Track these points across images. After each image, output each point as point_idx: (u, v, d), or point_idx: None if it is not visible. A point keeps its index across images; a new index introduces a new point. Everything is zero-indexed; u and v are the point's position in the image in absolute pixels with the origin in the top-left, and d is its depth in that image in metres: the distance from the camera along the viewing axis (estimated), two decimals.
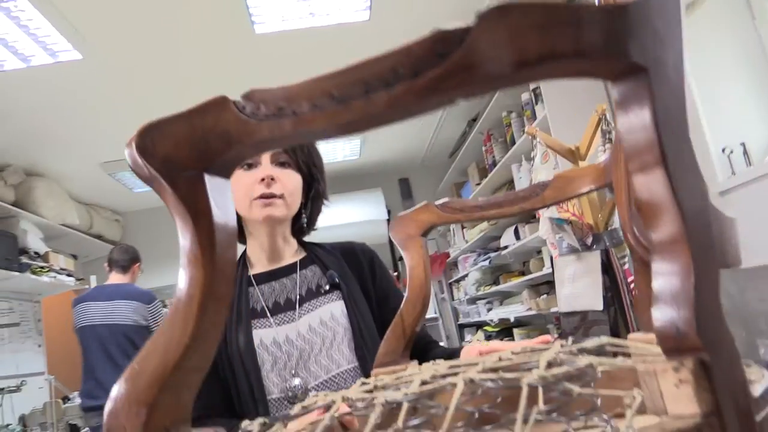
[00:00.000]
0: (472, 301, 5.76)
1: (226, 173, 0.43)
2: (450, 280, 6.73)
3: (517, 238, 4.24)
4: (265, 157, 1.26)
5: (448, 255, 6.54)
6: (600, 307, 2.11)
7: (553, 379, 0.44)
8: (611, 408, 0.50)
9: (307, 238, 1.44)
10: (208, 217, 0.41)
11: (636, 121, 0.38)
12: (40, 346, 4.90)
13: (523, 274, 4.59)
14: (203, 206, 0.41)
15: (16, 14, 2.79)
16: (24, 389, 4.23)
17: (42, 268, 4.65)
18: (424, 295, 0.88)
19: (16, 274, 4.24)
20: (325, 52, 3.45)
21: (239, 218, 1.31)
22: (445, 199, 0.88)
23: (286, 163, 1.29)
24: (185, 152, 0.41)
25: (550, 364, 0.48)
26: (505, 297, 5.32)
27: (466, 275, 5.81)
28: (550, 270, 3.20)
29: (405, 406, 0.47)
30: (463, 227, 5.79)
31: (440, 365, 0.63)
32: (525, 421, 0.41)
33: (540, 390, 0.44)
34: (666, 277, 0.38)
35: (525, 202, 0.83)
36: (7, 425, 3.93)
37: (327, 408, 0.50)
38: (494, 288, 5.13)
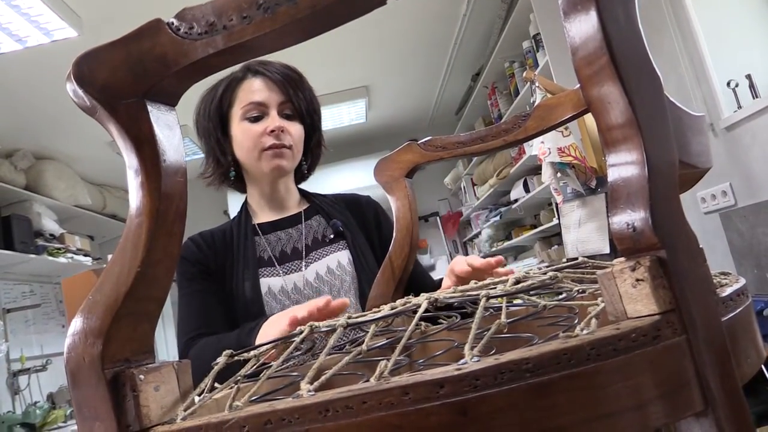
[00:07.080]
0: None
1: (169, 100, 0.43)
2: (464, 239, 6.71)
3: (527, 190, 4.20)
4: (273, 109, 1.26)
5: (460, 214, 6.51)
6: (607, 250, 2.09)
7: (514, 290, 0.44)
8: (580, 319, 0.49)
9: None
10: (152, 144, 0.41)
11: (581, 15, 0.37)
12: (63, 327, 4.98)
13: (534, 227, 4.56)
14: (147, 133, 0.40)
15: None
16: (49, 368, 4.33)
17: (58, 249, 4.71)
18: (412, 236, 0.88)
19: (33, 256, 4.30)
20: None
21: (238, 167, 1.32)
22: (428, 138, 0.87)
23: (291, 115, 1.29)
24: (123, 78, 0.40)
25: (517, 281, 0.47)
26: (518, 252, 5.31)
27: (479, 233, 5.79)
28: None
29: (372, 327, 0.47)
30: (474, 184, 5.75)
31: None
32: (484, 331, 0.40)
33: (504, 304, 0.44)
34: (619, 170, 0.37)
35: (508, 135, 0.82)
36: (35, 402, 4.04)
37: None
38: (507, 243, 5.11)
